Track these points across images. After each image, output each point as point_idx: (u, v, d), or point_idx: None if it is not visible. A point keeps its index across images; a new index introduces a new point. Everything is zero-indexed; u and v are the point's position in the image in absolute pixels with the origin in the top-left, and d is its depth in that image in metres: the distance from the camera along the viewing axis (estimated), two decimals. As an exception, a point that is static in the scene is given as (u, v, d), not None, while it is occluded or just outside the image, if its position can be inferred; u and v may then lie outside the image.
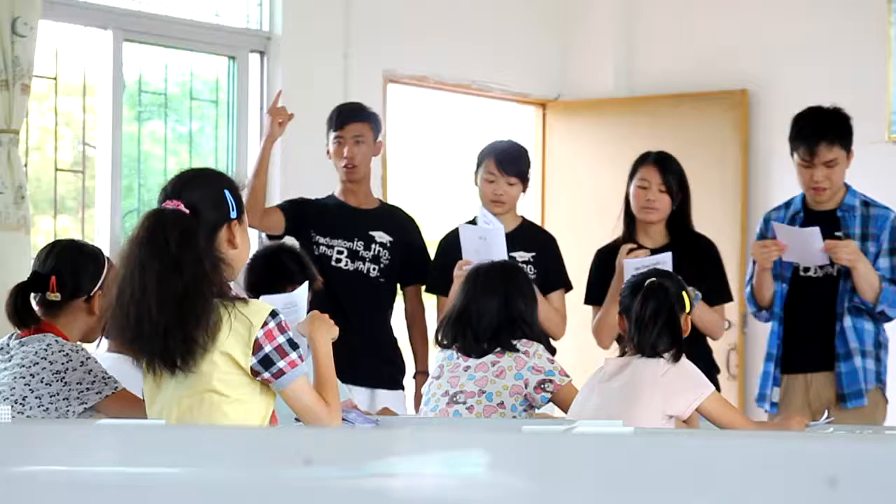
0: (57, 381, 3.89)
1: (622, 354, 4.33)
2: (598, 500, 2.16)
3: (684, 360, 4.16)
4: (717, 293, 5.27)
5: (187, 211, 3.39)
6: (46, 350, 3.93)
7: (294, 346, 3.42)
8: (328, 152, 5.64)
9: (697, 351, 4.86)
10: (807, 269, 5.15)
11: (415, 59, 7.06)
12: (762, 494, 2.02)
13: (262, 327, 3.38)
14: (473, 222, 5.44)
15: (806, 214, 5.19)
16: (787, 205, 5.29)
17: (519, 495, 2.23)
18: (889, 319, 5.12)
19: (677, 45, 7.50)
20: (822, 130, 5.11)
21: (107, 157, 6.08)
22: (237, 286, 4.09)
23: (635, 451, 2.19)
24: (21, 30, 5.38)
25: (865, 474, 1.96)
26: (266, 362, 3.38)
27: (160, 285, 3.31)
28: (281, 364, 3.39)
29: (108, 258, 4.18)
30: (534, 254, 5.38)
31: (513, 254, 5.30)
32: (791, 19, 7.19)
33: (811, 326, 5.13)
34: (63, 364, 3.90)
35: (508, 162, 5.39)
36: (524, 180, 5.42)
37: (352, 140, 5.56)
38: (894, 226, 5.09)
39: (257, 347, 3.38)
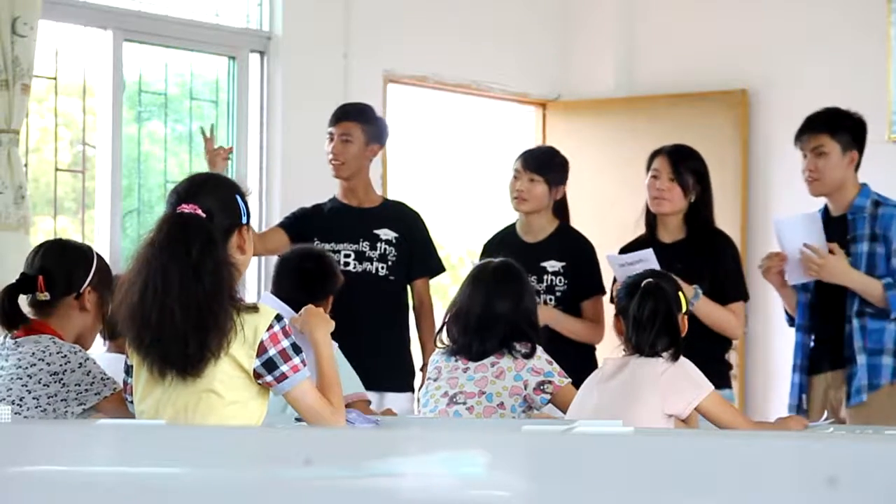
0: (55, 382, 3.89)
1: None
2: (598, 500, 2.16)
3: (683, 359, 4.16)
4: (731, 291, 5.23)
5: (204, 215, 3.40)
6: (44, 351, 3.93)
7: (297, 350, 3.43)
8: None
9: (703, 348, 4.79)
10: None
11: (415, 59, 7.06)
12: (762, 494, 2.02)
13: (268, 330, 3.39)
14: (511, 228, 5.50)
15: (825, 221, 5.13)
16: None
17: (519, 495, 2.23)
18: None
19: (677, 45, 7.50)
20: (810, 120, 5.15)
21: (107, 158, 6.08)
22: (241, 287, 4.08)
23: (635, 451, 2.19)
24: (21, 30, 5.39)
25: (865, 474, 1.96)
26: (269, 366, 3.39)
27: (182, 291, 3.32)
28: (284, 368, 3.39)
29: (97, 254, 4.19)
30: (565, 263, 5.38)
31: (543, 263, 5.33)
32: (791, 19, 7.19)
33: (829, 328, 5.11)
34: (61, 365, 3.91)
35: (533, 159, 5.44)
36: (549, 179, 5.41)
37: (339, 137, 5.57)
38: None
39: (261, 350, 3.38)
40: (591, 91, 7.61)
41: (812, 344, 5.18)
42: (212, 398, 3.38)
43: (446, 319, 4.63)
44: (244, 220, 3.49)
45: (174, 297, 3.32)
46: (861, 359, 4.96)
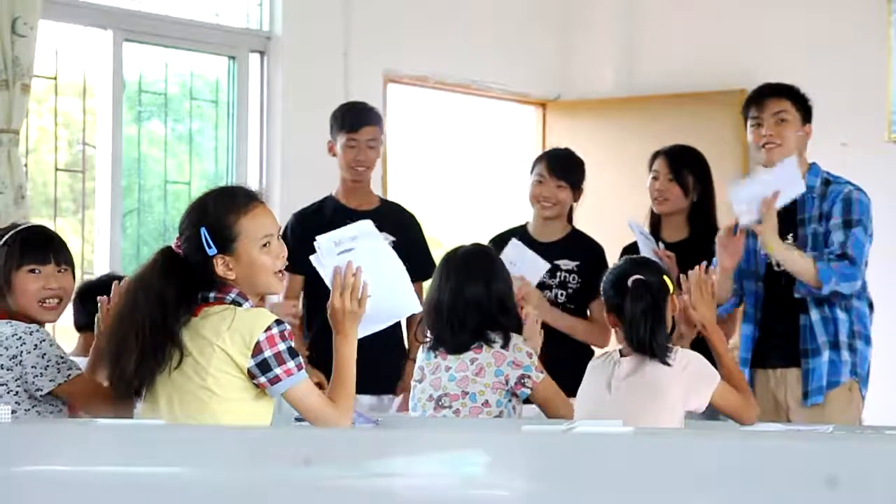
0: (16, 364, 3.77)
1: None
2: (598, 500, 2.16)
3: (695, 354, 4.14)
4: None
5: (180, 250, 3.49)
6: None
7: (294, 354, 3.43)
8: (331, 149, 5.52)
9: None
10: (780, 265, 4.92)
11: (415, 59, 7.06)
12: (762, 494, 2.02)
13: (265, 331, 3.39)
14: (522, 229, 5.45)
15: None
16: None
17: (519, 495, 2.24)
18: (846, 298, 4.78)
19: (677, 45, 7.50)
20: (770, 87, 5.04)
21: (107, 158, 6.08)
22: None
23: (635, 451, 2.19)
24: (21, 30, 5.39)
25: (865, 474, 1.96)
26: (263, 367, 3.40)
27: (145, 317, 3.44)
28: (278, 371, 3.40)
29: (16, 228, 4.00)
30: (578, 263, 5.37)
31: (557, 262, 5.32)
32: (791, 19, 7.19)
33: (779, 321, 4.95)
34: (17, 348, 3.79)
35: (559, 165, 5.40)
36: (574, 187, 5.40)
37: (366, 144, 5.45)
38: (845, 199, 4.81)
39: (257, 350, 3.39)
40: (591, 91, 7.61)
41: (754, 339, 5.01)
42: (205, 395, 3.39)
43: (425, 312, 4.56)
44: (211, 253, 3.48)
45: (131, 328, 3.45)
46: (825, 355, 4.81)
